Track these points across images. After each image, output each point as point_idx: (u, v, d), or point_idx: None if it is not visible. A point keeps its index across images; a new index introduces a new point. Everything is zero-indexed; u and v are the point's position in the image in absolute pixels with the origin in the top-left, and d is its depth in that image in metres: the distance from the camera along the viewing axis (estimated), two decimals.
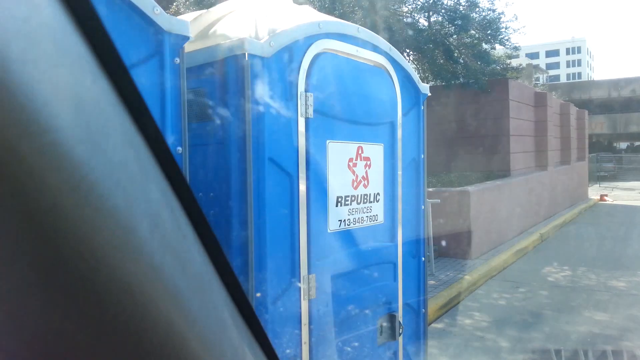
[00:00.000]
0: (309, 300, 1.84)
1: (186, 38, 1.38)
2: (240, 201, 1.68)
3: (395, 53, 2.37)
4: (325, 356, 1.85)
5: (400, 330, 2.37)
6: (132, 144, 0.45)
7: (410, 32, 9.11)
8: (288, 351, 1.84)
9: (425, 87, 2.61)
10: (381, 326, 2.29)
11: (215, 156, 1.66)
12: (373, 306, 2.23)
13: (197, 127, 1.56)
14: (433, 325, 5.66)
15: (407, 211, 2.48)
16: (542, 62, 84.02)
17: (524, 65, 32.78)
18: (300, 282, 1.81)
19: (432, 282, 6.96)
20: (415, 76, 2.54)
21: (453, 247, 8.22)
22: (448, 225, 8.07)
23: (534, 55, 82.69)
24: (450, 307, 6.22)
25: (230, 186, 1.67)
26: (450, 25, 9.39)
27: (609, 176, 30.09)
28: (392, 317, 2.35)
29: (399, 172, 2.38)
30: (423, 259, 2.59)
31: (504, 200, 10.02)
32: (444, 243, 8.08)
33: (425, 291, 2.58)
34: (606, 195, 20.00)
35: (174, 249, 0.51)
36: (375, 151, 2.24)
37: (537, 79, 41.73)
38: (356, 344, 2.14)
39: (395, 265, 2.37)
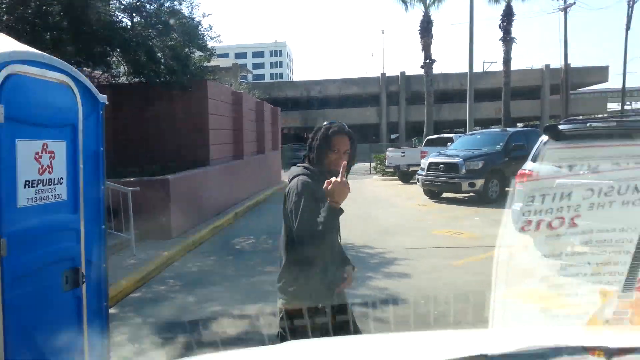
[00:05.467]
0: (1, 257, 2.56)
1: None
2: None
3: (75, 72, 3.16)
4: (18, 291, 2.61)
5: (83, 279, 3.22)
6: None
7: (113, 31, 9.58)
8: None
9: (103, 97, 3.45)
10: (66, 277, 3.10)
11: None
12: (59, 261, 3.04)
13: None
14: (131, 295, 6.51)
15: (89, 191, 3.31)
16: (249, 62, 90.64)
17: (230, 65, 35.25)
18: None
19: (132, 261, 7.75)
20: (94, 89, 3.36)
21: (154, 230, 9.11)
22: (150, 210, 8.91)
23: (242, 55, 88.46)
24: (148, 280, 7.14)
25: None
26: (151, 30, 10.18)
27: (299, 162, 34.84)
28: (76, 270, 3.19)
29: (81, 162, 3.20)
30: (103, 226, 3.48)
31: (203, 186, 11.39)
32: (145, 227, 8.87)
33: (104, 249, 3.48)
34: None
35: None
36: (58, 146, 3.02)
37: (245, 77, 45.33)
38: (44, 288, 2.91)
39: (77, 231, 3.20)
